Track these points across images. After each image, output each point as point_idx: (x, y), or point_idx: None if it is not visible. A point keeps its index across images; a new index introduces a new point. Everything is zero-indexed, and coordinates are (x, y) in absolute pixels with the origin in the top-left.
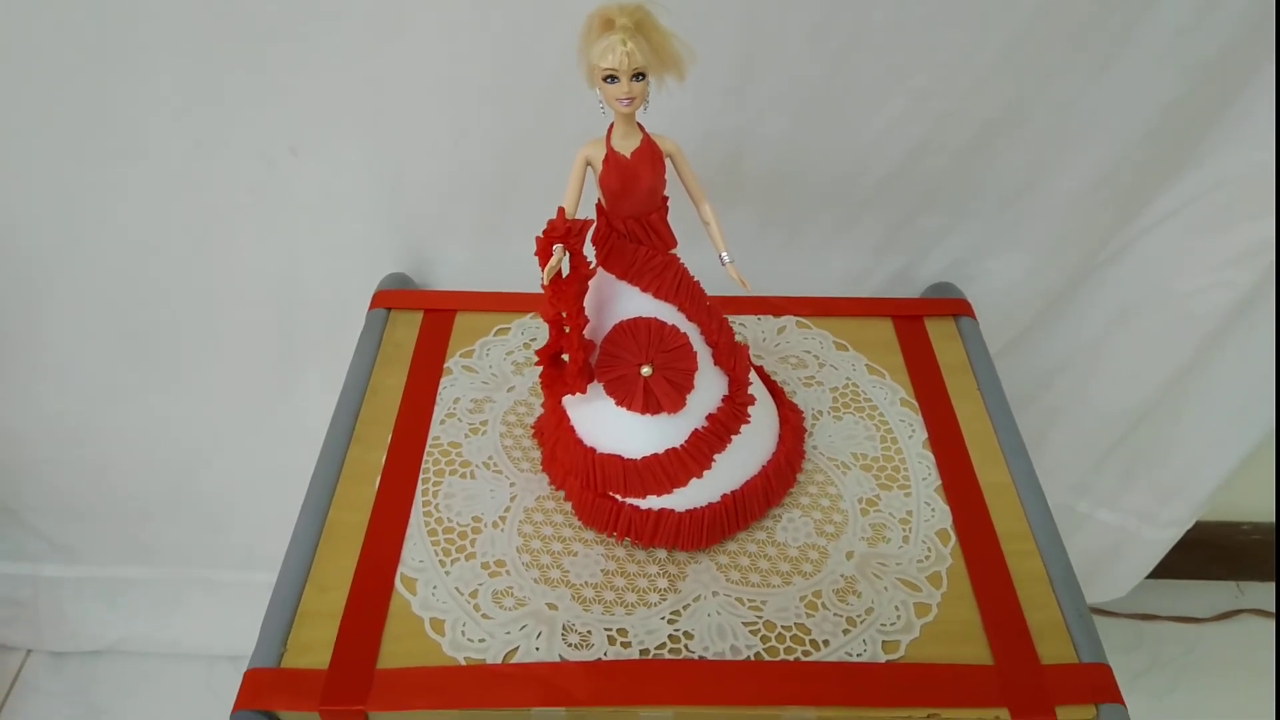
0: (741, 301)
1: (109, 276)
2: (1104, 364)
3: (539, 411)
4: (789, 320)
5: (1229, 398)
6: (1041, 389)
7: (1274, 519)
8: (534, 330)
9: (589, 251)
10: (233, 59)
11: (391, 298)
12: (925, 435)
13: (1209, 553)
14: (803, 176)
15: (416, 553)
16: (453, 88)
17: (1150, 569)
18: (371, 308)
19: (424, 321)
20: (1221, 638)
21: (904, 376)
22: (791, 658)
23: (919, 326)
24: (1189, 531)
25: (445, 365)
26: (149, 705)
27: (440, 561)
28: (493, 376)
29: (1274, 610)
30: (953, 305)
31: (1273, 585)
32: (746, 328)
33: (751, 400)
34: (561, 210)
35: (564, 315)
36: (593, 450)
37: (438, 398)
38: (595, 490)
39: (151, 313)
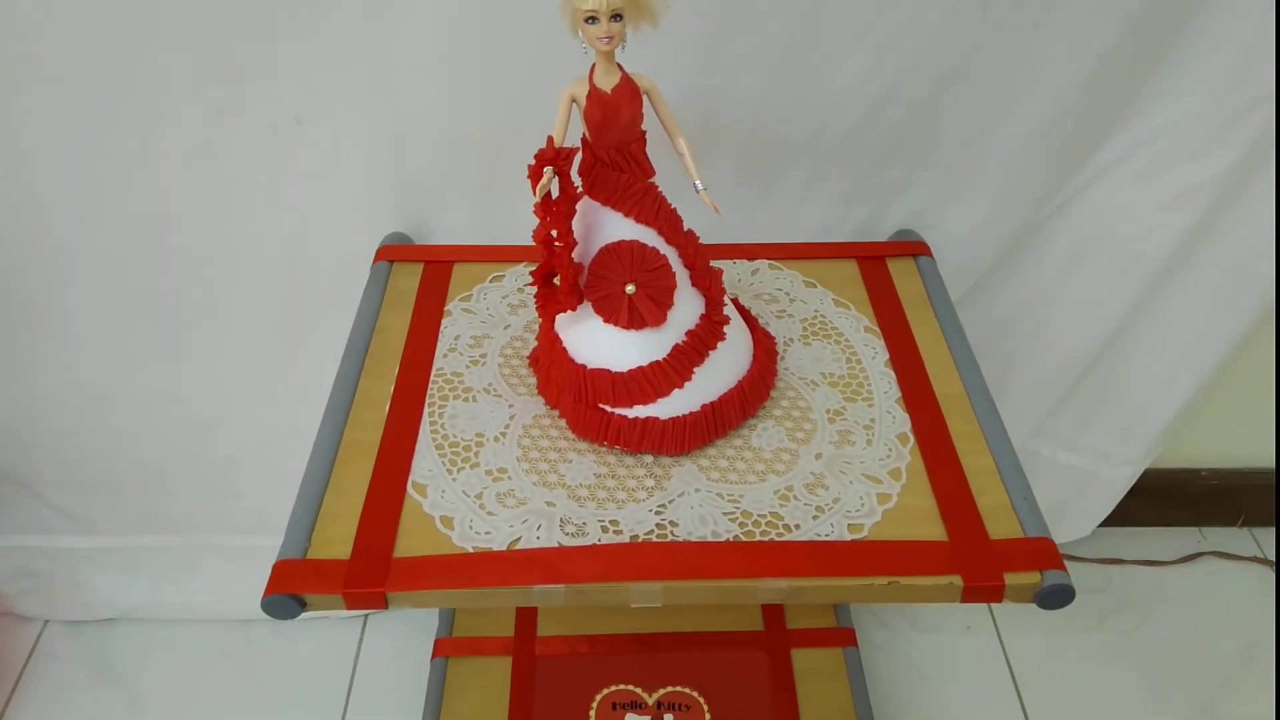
0: (717, 248)
1: (126, 246)
2: (1058, 309)
3: (533, 345)
4: (762, 263)
5: (1175, 337)
6: (1000, 336)
7: (1237, 465)
8: (527, 277)
9: (576, 188)
10: (244, 33)
11: (394, 252)
12: (887, 356)
13: (1171, 499)
14: (774, 132)
15: (425, 464)
16: (447, 57)
17: (1111, 508)
18: (375, 262)
19: (425, 271)
20: (1184, 579)
21: (868, 308)
22: (766, 539)
23: (881, 266)
24: (1151, 479)
25: (446, 308)
26: (163, 669)
27: (447, 470)
28: (490, 317)
29: (1237, 553)
30: (912, 247)
31: (1232, 528)
32: (722, 270)
33: (726, 320)
34: (551, 139)
35: (555, 235)
36: (583, 366)
37: (440, 335)
38: (587, 403)
39: (166, 281)
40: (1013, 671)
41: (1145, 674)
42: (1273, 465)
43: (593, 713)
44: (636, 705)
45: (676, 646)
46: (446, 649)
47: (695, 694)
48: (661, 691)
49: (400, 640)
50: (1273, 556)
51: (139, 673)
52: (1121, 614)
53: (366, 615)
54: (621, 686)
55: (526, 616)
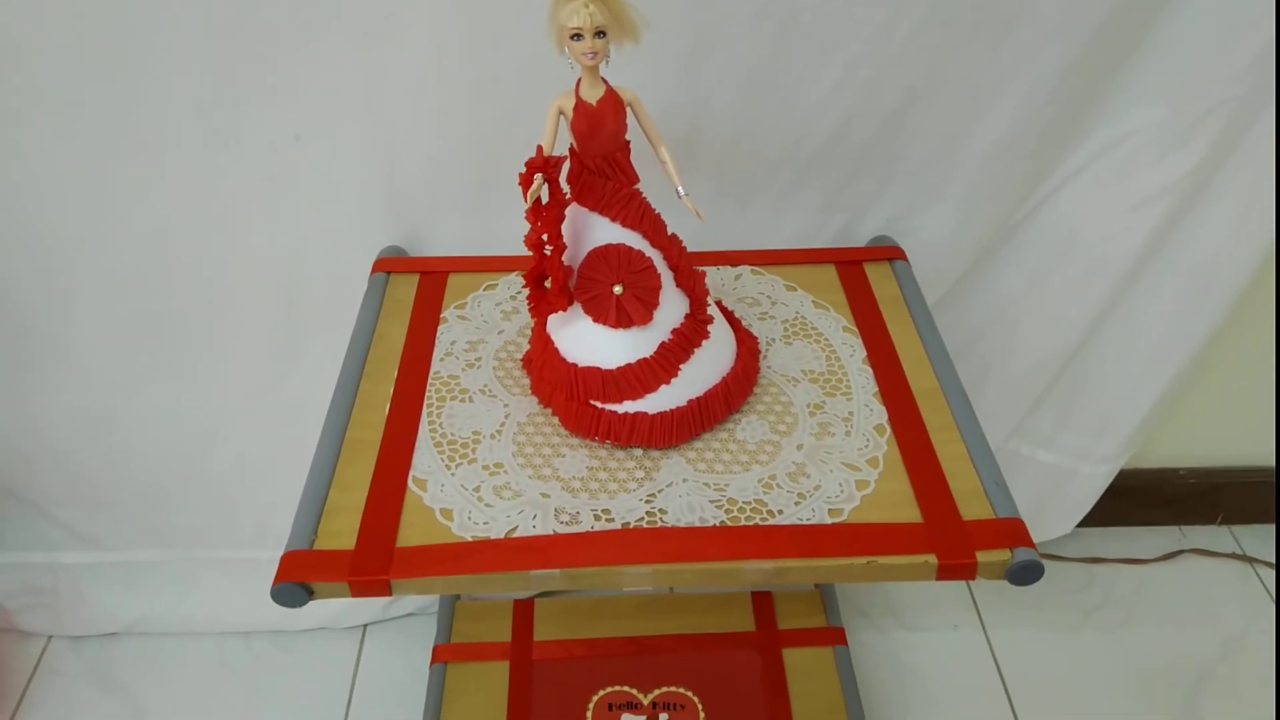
0: (700, 255)
1: (130, 267)
2: (1030, 311)
3: (526, 349)
4: (744, 269)
5: (1144, 336)
6: (975, 339)
7: (1216, 464)
8: (519, 284)
9: (565, 195)
10: (243, 56)
11: (391, 264)
12: (864, 354)
13: (1151, 499)
14: (752, 144)
15: (425, 460)
16: (439, 78)
17: (1091, 505)
18: (373, 273)
19: (421, 282)
20: (1166, 576)
21: (846, 310)
22: (751, 524)
23: (859, 270)
24: (1131, 479)
25: (441, 315)
26: (165, 682)
27: (446, 466)
28: (484, 323)
29: (1217, 550)
30: (888, 252)
31: (1212, 526)
32: (705, 272)
33: (710, 319)
34: (540, 148)
35: (545, 239)
36: (574, 365)
37: (436, 341)
38: (578, 400)
39: (168, 300)
40: (1000, 668)
41: (1129, 669)
42: (1250, 464)
43: (589, 714)
44: (632, 706)
45: (671, 648)
46: (445, 655)
47: (690, 694)
48: (657, 692)
49: (399, 649)
50: (1251, 553)
51: (142, 686)
52: (1104, 611)
53: (365, 625)
54: (617, 688)
55: (523, 621)
